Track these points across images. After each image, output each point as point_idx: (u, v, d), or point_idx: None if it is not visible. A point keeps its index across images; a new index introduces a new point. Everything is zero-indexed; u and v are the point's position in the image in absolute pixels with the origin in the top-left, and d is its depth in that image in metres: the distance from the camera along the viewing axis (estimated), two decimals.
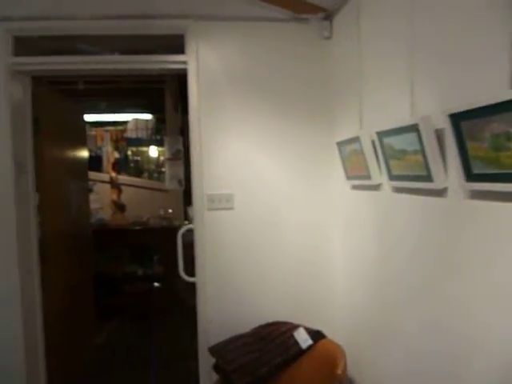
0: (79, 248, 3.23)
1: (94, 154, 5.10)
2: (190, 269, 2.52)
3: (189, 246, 2.67)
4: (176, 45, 2.45)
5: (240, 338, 2.16)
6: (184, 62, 2.33)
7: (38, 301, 2.47)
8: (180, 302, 4.74)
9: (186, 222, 4.60)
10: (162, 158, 5.46)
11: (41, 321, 2.47)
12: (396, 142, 1.51)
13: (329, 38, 2.36)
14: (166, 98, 5.01)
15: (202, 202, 2.34)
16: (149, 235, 4.74)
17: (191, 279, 2.45)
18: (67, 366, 2.79)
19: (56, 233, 2.69)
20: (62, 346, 2.68)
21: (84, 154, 3.48)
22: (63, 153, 2.95)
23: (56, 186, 2.76)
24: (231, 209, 2.36)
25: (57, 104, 2.83)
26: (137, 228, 4.80)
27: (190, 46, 2.30)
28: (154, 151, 5.53)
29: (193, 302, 4.22)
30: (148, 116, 5.72)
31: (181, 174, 4.94)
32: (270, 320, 2.31)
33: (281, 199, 2.38)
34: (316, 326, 2.19)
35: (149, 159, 5.57)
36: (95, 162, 4.85)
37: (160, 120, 5.48)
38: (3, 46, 2.23)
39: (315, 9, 2.35)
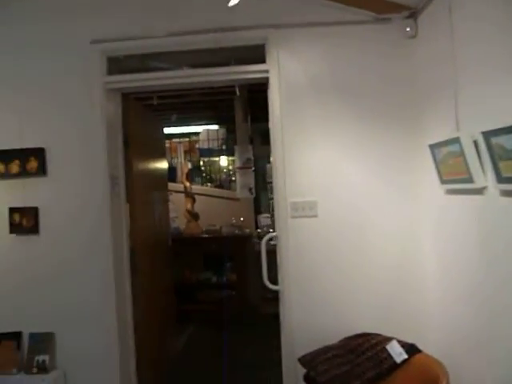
0: (162, 256, 3.36)
1: (168, 165, 5.33)
2: (271, 276, 2.51)
3: (268, 254, 2.64)
4: (251, 55, 2.49)
5: (329, 349, 2.10)
6: (265, 71, 2.35)
7: (129, 309, 2.59)
8: (253, 309, 4.77)
9: (260, 231, 4.64)
10: (232, 167, 5.57)
11: (132, 328, 2.60)
12: (509, 141, 1.39)
13: (413, 36, 2.27)
14: (236, 108, 5.11)
15: (286, 210, 2.33)
16: (221, 243, 4.83)
17: (274, 287, 2.43)
18: (154, 369, 2.90)
19: (144, 242, 2.82)
20: (149, 350, 2.79)
21: (164, 165, 3.64)
22: (147, 165, 3.10)
23: (143, 197, 2.90)
24: (315, 216, 2.33)
25: (142, 118, 2.99)
26: (210, 236, 4.92)
27: (271, 54, 2.32)
28: (224, 161, 5.66)
29: (266, 310, 4.24)
30: (217, 127, 5.88)
31: (251, 182, 5.00)
32: (357, 331, 2.23)
33: (366, 205, 2.30)
34: (406, 338, 2.07)
35: (220, 169, 5.71)
36: (170, 173, 5.05)
37: (229, 130, 5.60)
38: (99, 66, 2.41)
39: (399, 8, 2.27)
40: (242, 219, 4.97)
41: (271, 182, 5.81)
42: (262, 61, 2.38)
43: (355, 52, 2.30)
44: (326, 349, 2.12)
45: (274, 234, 2.44)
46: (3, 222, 2.43)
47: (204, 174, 5.57)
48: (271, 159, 2.44)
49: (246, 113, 5.05)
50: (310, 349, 2.16)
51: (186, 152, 5.32)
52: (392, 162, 2.28)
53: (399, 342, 2.07)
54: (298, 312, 2.36)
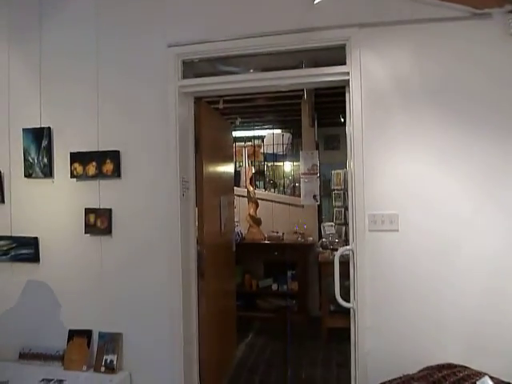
0: (226, 261, 3.31)
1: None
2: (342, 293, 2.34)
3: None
4: (324, 57, 2.36)
5: (410, 379, 1.89)
6: (345, 73, 2.20)
7: (195, 313, 2.56)
8: (315, 321, 4.59)
9: (324, 240, 4.46)
10: (296, 173, 5.44)
11: (196, 333, 2.56)
12: None
13: None
14: (302, 112, 4.98)
15: (363, 223, 2.16)
16: (283, 250, 4.71)
17: (347, 304, 2.27)
18: (215, 374, 2.85)
19: (210, 246, 2.78)
20: (211, 356, 2.74)
21: (231, 169, 3.61)
22: (216, 168, 3.06)
23: (211, 201, 2.86)
24: (395, 231, 2.13)
25: (212, 122, 2.96)
26: (271, 243, 4.82)
27: (353, 55, 2.17)
28: (288, 166, 5.54)
29: (330, 323, 4.05)
30: (279, 131, 5.78)
31: (316, 189, 4.84)
32: (440, 361, 1.99)
33: (458, 223, 2.06)
34: (500, 374, 1.81)
35: (284, 174, 5.60)
36: (234, 177, 5.04)
37: (294, 135, 5.48)
38: (175, 70, 2.40)
39: (501, 1, 2.02)
40: (305, 227, 4.81)
41: (336, 190, 5.64)
42: (340, 62, 2.23)
43: (448, 53, 2.08)
44: (407, 378, 1.91)
45: (349, 247, 2.27)
46: (79, 222, 2.49)
47: (267, 179, 5.49)
48: (348, 166, 2.28)
49: (312, 117, 4.91)
50: (384, 375, 1.97)
51: (250, 156, 5.27)
52: (492, 175, 2.02)
53: (492, 378, 1.82)
54: (372, 334, 2.18)
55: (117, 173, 2.42)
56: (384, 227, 2.13)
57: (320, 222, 5.00)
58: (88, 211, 2.47)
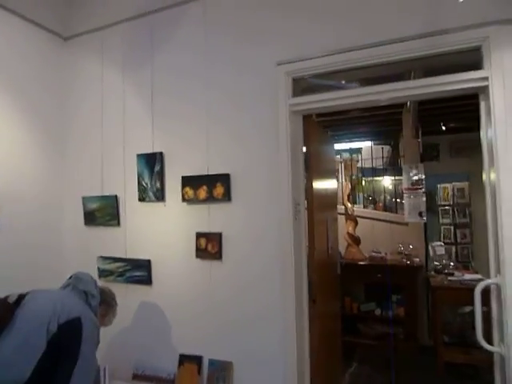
0: (333, 284, 3.11)
1: None
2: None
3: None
4: (446, 62, 2.08)
5: None
6: (482, 79, 1.91)
7: (307, 346, 2.39)
8: (427, 352, 4.16)
9: (437, 263, 4.04)
10: (398, 188, 5.07)
11: (308, 365, 2.39)
12: None
13: None
14: (404, 122, 4.63)
15: None
16: (386, 272, 4.35)
17: (491, 348, 1.93)
18: None
19: (320, 270, 2.61)
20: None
21: (334, 185, 3.42)
22: (323, 187, 2.90)
23: (320, 222, 2.70)
24: None
25: (318, 138, 2.81)
26: (373, 263, 4.50)
27: (493, 57, 1.87)
28: (388, 180, 5.19)
29: (446, 357, 3.61)
30: (378, 144, 5.46)
31: (422, 205, 4.42)
32: None
33: None
34: None
35: (384, 189, 5.26)
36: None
37: (394, 147, 5.12)
38: (285, 88, 2.30)
39: None
40: (410, 247, 4.42)
41: (443, 205, 5.15)
42: (473, 67, 1.95)
43: None
44: None
45: (492, 281, 1.94)
46: (190, 246, 2.48)
47: (365, 195, 5.19)
48: (487, 182, 1.97)
49: (416, 127, 4.54)
50: None
51: (347, 170, 5.04)
52: None
53: None
54: None
55: (227, 196, 2.37)
56: None
57: (426, 241, 4.57)
58: (199, 235, 2.45)
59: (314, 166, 2.59)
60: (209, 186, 2.41)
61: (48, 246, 2.85)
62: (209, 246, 2.42)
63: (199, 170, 2.47)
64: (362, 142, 5.49)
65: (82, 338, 1.72)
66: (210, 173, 2.44)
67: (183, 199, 2.50)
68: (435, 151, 6.42)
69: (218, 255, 2.40)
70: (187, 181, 2.48)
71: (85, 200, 2.86)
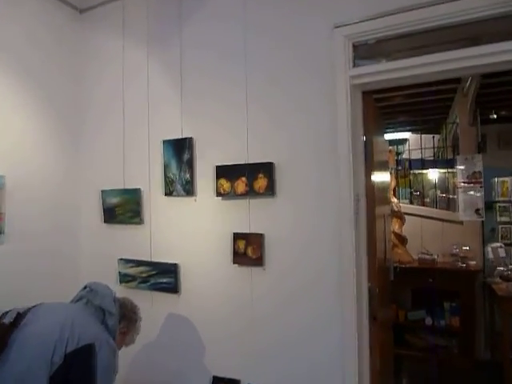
0: (388, 292, 2.66)
1: None
2: None
3: None
4: None
5: None
6: None
7: (367, 365, 1.95)
8: (484, 367, 3.67)
9: (503, 269, 3.52)
10: (450, 182, 4.55)
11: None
12: None
13: None
14: (458, 108, 4.10)
15: None
16: (437, 277, 3.86)
17: None
18: None
19: (379, 277, 2.16)
20: None
21: (387, 178, 2.96)
22: (380, 180, 2.44)
23: (379, 221, 2.25)
24: None
25: (377, 121, 2.36)
26: (422, 267, 4.00)
27: None
28: (437, 173, 4.66)
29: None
30: (426, 134, 4.93)
31: (480, 201, 3.92)
32: None
33: None
34: None
35: (433, 183, 4.74)
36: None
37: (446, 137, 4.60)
38: (345, 56, 1.86)
39: None
40: (466, 248, 3.91)
41: (501, 202, 4.58)
42: None
43: None
44: None
45: None
46: (226, 249, 2.09)
47: (412, 190, 4.68)
48: None
49: (474, 114, 4.00)
50: None
51: (392, 163, 4.54)
52: None
53: None
54: None
55: (271, 190, 1.96)
56: None
57: (484, 242, 4.04)
58: (237, 236, 2.04)
59: (375, 155, 2.14)
60: (249, 178, 2.00)
61: (62, 248, 2.52)
62: (248, 250, 2.01)
63: (237, 159, 2.07)
64: (407, 133, 4.97)
65: (97, 371, 1.35)
66: (250, 161, 2.03)
67: (217, 193, 2.10)
68: (482, 142, 5.84)
69: (259, 261, 1.99)
70: (222, 171, 2.08)
71: (104, 194, 2.50)
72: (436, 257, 4.00)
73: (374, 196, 2.09)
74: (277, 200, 1.98)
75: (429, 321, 3.98)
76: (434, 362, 3.79)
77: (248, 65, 2.08)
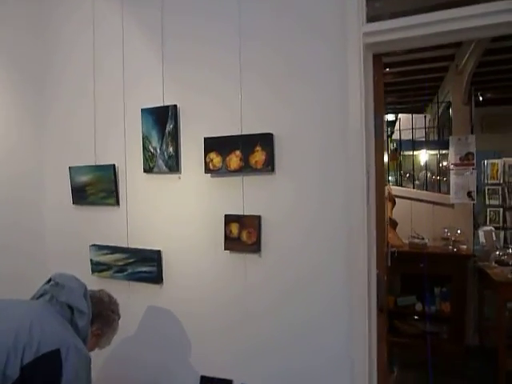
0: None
1: None
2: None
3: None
4: None
5: None
6: None
7: (375, 364, 1.75)
8: (475, 354, 3.59)
9: (499, 254, 3.41)
10: (440, 164, 4.40)
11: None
12: None
13: None
14: (450, 86, 3.93)
15: None
16: (428, 261, 3.72)
17: None
18: None
19: (384, 266, 1.96)
20: None
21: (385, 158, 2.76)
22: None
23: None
24: None
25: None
26: (412, 251, 3.86)
27: None
28: (426, 155, 4.51)
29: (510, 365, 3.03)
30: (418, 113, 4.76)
31: (472, 184, 3.78)
32: None
33: None
34: None
35: (424, 165, 4.58)
36: None
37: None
38: (357, 9, 1.60)
39: None
40: (458, 232, 3.78)
41: (490, 185, 4.50)
42: None
43: None
44: None
45: None
46: (216, 234, 1.82)
47: (402, 172, 4.52)
48: None
49: (469, 92, 3.84)
50: None
51: None
52: None
53: None
54: None
55: (270, 165, 1.69)
56: None
57: (476, 225, 3.93)
58: (229, 219, 1.78)
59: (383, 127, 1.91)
60: (244, 151, 1.73)
61: (24, 241, 2.19)
62: (243, 235, 1.75)
63: (229, 130, 1.79)
64: (393, 114, 4.80)
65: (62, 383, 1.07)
66: (244, 133, 1.76)
67: (206, 169, 1.82)
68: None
69: (255, 247, 1.74)
70: (212, 144, 1.80)
71: (72, 171, 2.18)
72: (427, 241, 3.86)
73: (383, 173, 1.86)
74: (276, 177, 1.72)
75: (419, 306, 3.87)
76: (424, 349, 3.68)
77: (243, 26, 1.78)
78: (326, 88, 1.66)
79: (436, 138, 4.81)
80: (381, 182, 1.84)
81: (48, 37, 2.31)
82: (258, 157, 1.70)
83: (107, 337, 1.48)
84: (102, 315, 1.43)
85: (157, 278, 1.97)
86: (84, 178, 2.15)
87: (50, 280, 1.38)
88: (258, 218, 1.73)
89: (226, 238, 1.78)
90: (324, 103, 1.66)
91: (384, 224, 1.86)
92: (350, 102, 1.61)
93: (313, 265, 1.68)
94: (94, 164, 2.13)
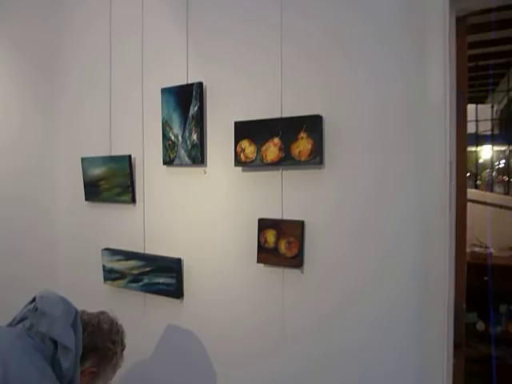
0: None
1: None
2: None
3: None
4: None
5: None
6: None
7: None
8: None
9: None
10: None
11: None
12: None
13: None
14: None
15: None
16: (495, 275, 3.21)
17: None
18: None
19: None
20: None
21: None
22: None
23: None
24: None
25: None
26: (473, 262, 3.34)
27: None
28: (493, 151, 3.95)
29: None
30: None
31: None
32: None
33: None
34: None
35: (489, 162, 4.02)
36: None
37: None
38: None
39: None
40: None
41: None
42: None
43: None
44: None
45: None
46: (248, 242, 1.46)
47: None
48: None
49: None
50: None
51: None
52: None
53: None
54: None
55: (318, 157, 1.31)
56: None
57: None
58: (264, 225, 1.41)
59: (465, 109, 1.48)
60: (284, 139, 1.35)
61: (33, 238, 1.96)
62: (281, 245, 1.38)
63: (266, 112, 1.42)
64: None
65: None
66: (285, 115, 1.39)
67: (237, 161, 1.46)
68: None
69: (297, 261, 1.36)
70: (245, 130, 1.44)
71: (85, 163, 1.90)
72: (492, 250, 3.34)
73: (465, 168, 1.44)
74: (325, 171, 1.34)
75: (480, 326, 3.35)
76: (489, 377, 3.17)
77: None
78: (395, 56, 1.26)
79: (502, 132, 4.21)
80: (463, 181, 1.42)
81: (60, 19, 2.05)
82: (303, 146, 1.32)
83: (106, 375, 1.15)
84: (99, 348, 1.11)
85: (176, 292, 1.64)
86: (97, 171, 1.86)
87: (33, 299, 1.07)
88: (301, 223, 1.36)
89: (260, 248, 1.42)
90: (393, 76, 1.26)
91: (465, 235, 1.44)
92: (431, 76, 1.20)
93: (371, 288, 1.29)
94: (108, 155, 1.83)
